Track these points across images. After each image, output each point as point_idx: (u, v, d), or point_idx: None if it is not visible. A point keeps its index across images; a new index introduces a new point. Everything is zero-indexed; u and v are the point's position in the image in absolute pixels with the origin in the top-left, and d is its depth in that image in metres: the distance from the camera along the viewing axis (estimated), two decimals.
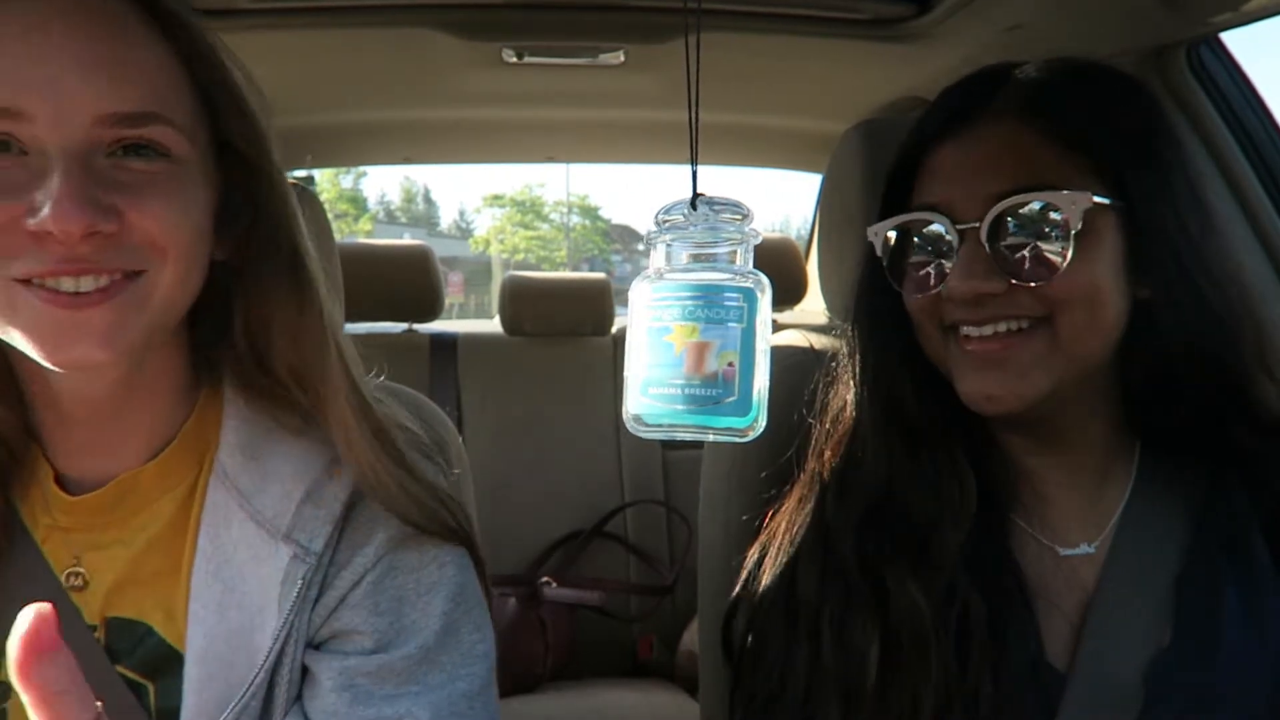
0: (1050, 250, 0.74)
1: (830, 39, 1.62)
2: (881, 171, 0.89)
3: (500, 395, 2.42)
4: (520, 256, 27.39)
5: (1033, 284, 0.75)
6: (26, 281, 0.63)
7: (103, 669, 0.71)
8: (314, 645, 0.75)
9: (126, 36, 0.65)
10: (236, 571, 0.72)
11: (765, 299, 0.56)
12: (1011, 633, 0.78)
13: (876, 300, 0.86)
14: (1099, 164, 0.77)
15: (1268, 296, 1.45)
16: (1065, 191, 0.75)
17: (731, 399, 0.57)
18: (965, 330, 0.78)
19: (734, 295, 0.57)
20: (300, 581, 0.71)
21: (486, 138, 2.44)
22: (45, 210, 0.60)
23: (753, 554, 0.90)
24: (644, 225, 0.63)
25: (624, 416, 0.61)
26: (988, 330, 0.77)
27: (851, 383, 0.89)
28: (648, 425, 0.61)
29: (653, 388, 0.61)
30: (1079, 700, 0.73)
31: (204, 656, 0.71)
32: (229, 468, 0.74)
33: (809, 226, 2.64)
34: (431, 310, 2.47)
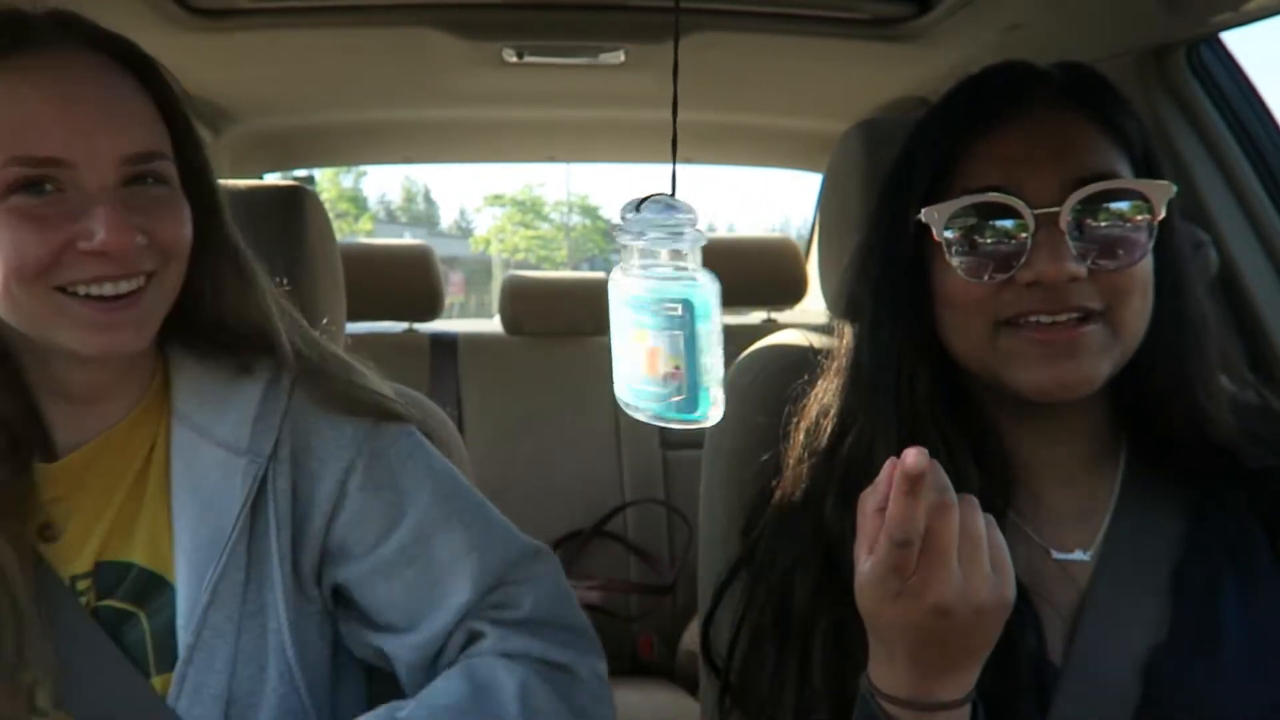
0: (1136, 237, 0.76)
1: (830, 39, 1.62)
2: (881, 171, 0.89)
3: (500, 395, 2.42)
4: (520, 256, 27.32)
5: (1113, 270, 0.76)
6: (64, 290, 0.78)
7: (75, 611, 0.83)
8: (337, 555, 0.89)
9: (123, 90, 0.81)
10: (212, 489, 0.86)
11: (707, 297, 0.61)
12: (1012, 626, 0.78)
13: (901, 290, 0.84)
14: (1134, 160, 0.79)
15: (1267, 296, 1.45)
16: (1156, 181, 0.77)
17: (679, 398, 0.64)
18: (1036, 319, 0.77)
19: (674, 304, 0.62)
20: (253, 478, 0.85)
21: (486, 138, 2.44)
22: (100, 234, 0.76)
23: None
24: None
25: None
26: (1062, 318, 0.77)
27: (840, 378, 0.88)
28: (630, 406, 0.68)
29: (624, 379, 0.69)
30: (1074, 696, 0.73)
31: (191, 557, 0.84)
32: (186, 410, 0.88)
33: (809, 226, 2.63)
34: (432, 310, 2.47)
